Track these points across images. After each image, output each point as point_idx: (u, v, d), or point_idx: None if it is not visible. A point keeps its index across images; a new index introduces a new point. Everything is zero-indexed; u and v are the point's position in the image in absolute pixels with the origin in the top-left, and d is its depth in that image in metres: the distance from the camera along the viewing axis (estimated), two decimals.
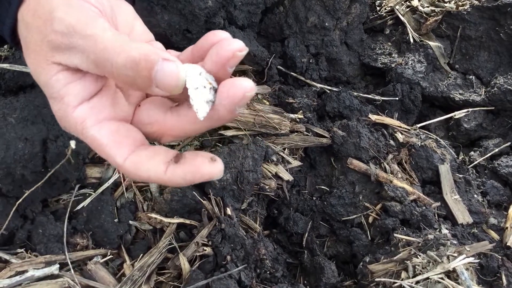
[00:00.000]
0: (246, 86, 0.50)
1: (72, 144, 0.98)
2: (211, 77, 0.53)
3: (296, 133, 1.36)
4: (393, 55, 1.64)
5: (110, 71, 0.51)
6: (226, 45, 0.52)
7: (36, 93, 1.09)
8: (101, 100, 0.57)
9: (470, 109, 1.53)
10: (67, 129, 0.57)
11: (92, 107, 0.55)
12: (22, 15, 0.57)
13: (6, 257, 1.00)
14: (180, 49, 1.49)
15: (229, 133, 1.27)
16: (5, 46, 1.22)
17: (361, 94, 1.55)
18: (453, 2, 1.63)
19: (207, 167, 0.52)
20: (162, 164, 0.53)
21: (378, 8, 1.73)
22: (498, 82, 1.53)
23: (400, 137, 1.39)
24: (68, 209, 1.08)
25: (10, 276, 0.97)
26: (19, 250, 1.02)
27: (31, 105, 1.03)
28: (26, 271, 0.98)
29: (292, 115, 1.38)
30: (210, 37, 0.55)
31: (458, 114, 1.54)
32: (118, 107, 0.59)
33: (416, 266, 1.09)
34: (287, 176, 1.29)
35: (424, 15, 1.64)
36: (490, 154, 1.47)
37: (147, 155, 0.54)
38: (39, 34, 0.55)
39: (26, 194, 0.97)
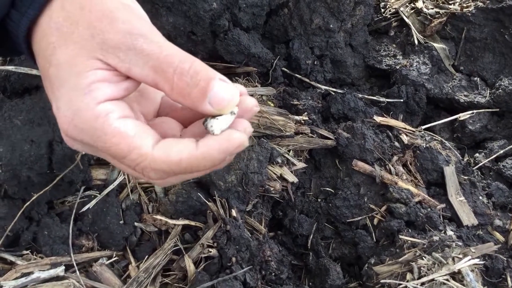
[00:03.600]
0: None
1: None
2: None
3: (301, 135, 1.36)
4: (397, 57, 1.64)
5: (169, 78, 0.52)
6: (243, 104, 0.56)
7: (42, 95, 1.09)
8: (124, 104, 0.56)
9: (475, 111, 1.53)
10: (78, 129, 0.55)
11: (117, 106, 0.55)
12: (63, 4, 0.56)
13: (12, 258, 1.01)
14: (185, 51, 1.50)
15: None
16: None
17: (366, 96, 1.55)
18: (457, 3, 1.63)
19: (237, 134, 0.53)
20: (191, 142, 0.53)
21: (382, 10, 1.73)
22: (503, 83, 1.53)
23: (405, 138, 1.39)
24: (74, 211, 1.08)
25: (16, 278, 0.97)
26: (24, 252, 1.03)
27: (36, 107, 1.04)
28: (31, 272, 0.98)
29: (297, 117, 1.38)
30: None
31: (463, 115, 1.53)
32: (138, 115, 0.59)
33: (421, 268, 1.09)
34: (292, 178, 1.29)
35: (429, 17, 1.64)
36: (495, 155, 1.47)
37: (174, 140, 0.54)
38: (90, 29, 0.54)
39: (34, 197, 0.97)
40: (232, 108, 0.54)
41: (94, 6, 0.55)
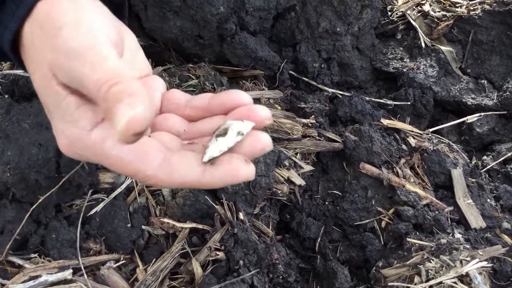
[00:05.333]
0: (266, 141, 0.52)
1: None
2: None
3: (308, 138, 1.36)
4: (404, 60, 1.63)
5: (99, 102, 0.49)
6: (256, 113, 0.53)
7: None
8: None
9: (483, 114, 1.53)
10: (80, 153, 0.54)
11: (108, 127, 0.52)
12: (31, 26, 0.54)
13: (20, 262, 1.01)
14: (193, 55, 1.50)
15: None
16: None
17: (373, 99, 1.54)
18: (464, 6, 1.63)
19: (244, 168, 0.51)
20: (197, 167, 0.51)
21: (389, 13, 1.73)
22: (510, 86, 1.52)
23: (412, 141, 1.38)
24: (81, 214, 1.08)
25: (24, 281, 0.97)
26: (32, 255, 1.03)
27: (44, 111, 1.04)
28: (39, 276, 0.98)
29: (304, 120, 1.38)
30: (234, 96, 0.55)
31: (471, 118, 1.53)
32: None
33: (429, 271, 1.08)
34: (299, 181, 1.29)
35: (436, 20, 1.63)
36: (503, 158, 1.46)
37: (178, 161, 0.52)
38: (44, 51, 0.52)
39: (40, 200, 0.98)
40: (128, 136, 0.46)
41: (49, 23, 0.52)
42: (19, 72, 1.12)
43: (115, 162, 0.52)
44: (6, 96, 1.12)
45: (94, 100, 0.50)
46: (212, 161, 0.51)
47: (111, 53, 0.51)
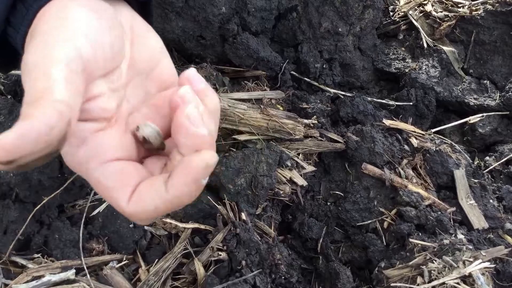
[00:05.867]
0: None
1: None
2: None
3: (310, 138, 1.36)
4: (406, 60, 1.63)
5: None
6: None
7: None
8: (104, 139, 0.51)
9: (485, 114, 1.53)
10: (76, 167, 0.51)
11: (96, 147, 0.50)
12: (40, 18, 0.51)
13: (23, 262, 1.01)
14: (194, 55, 1.50)
15: (242, 137, 1.27)
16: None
17: (375, 99, 1.54)
18: (466, 7, 1.63)
19: (195, 159, 0.47)
20: (161, 184, 0.48)
21: (391, 13, 1.73)
22: None
23: (414, 142, 1.38)
24: (84, 215, 1.09)
25: (27, 281, 0.98)
26: (35, 255, 1.03)
27: None
28: (42, 276, 0.99)
29: (306, 120, 1.38)
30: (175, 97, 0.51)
31: (473, 119, 1.53)
32: (123, 147, 0.53)
33: (432, 271, 1.08)
34: (301, 181, 1.29)
35: (438, 20, 1.63)
36: (505, 159, 1.46)
37: (147, 185, 0.49)
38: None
39: (44, 201, 0.98)
40: None
41: (40, 26, 0.49)
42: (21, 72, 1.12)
43: (96, 185, 0.50)
44: (9, 96, 1.12)
45: None
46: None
47: (62, 77, 0.44)
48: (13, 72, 1.14)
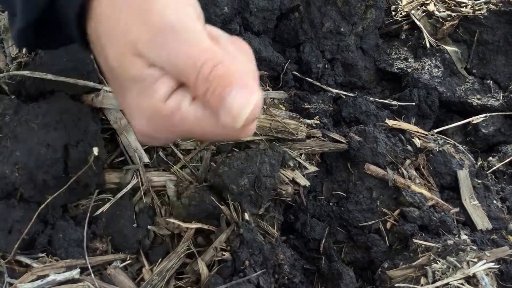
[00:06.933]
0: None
1: (95, 151, 1.00)
2: None
3: (312, 139, 1.36)
4: (409, 60, 1.63)
5: (193, 83, 0.50)
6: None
7: (57, 100, 1.10)
8: (183, 89, 0.54)
9: (488, 114, 1.52)
10: (157, 129, 0.55)
11: (180, 93, 0.54)
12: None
13: (28, 261, 1.01)
14: None
15: (245, 138, 1.28)
16: (23, 51, 1.24)
17: (377, 99, 1.54)
18: (469, 6, 1.63)
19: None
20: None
21: (393, 13, 1.73)
22: None
23: (417, 142, 1.38)
24: (88, 214, 1.09)
25: (32, 280, 0.98)
26: (40, 255, 1.03)
27: (52, 111, 1.04)
28: (47, 275, 0.98)
29: (308, 121, 1.38)
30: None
31: (476, 119, 1.53)
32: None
33: (436, 272, 1.08)
34: (304, 182, 1.29)
35: (441, 20, 1.63)
36: (508, 159, 1.46)
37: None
38: (128, 23, 0.51)
39: (49, 200, 0.98)
40: (243, 121, 0.49)
41: None
42: (26, 72, 1.12)
43: (193, 124, 0.53)
44: (13, 96, 1.12)
45: (179, 77, 0.52)
46: None
47: (203, 31, 0.52)
48: (17, 72, 1.14)
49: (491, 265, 1.09)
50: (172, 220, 1.14)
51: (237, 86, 0.49)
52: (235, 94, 0.48)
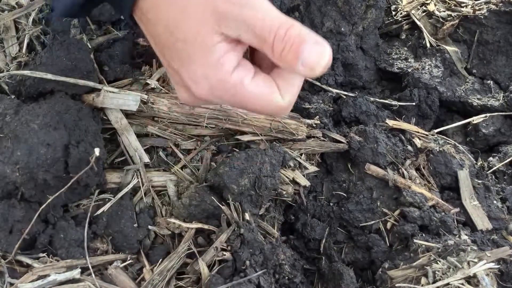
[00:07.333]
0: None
1: (97, 151, 1.00)
2: None
3: (312, 139, 1.36)
4: (409, 60, 1.63)
5: (270, 44, 0.59)
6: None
7: (57, 99, 1.10)
8: (246, 62, 0.65)
9: (488, 114, 1.52)
10: (218, 95, 0.64)
11: (244, 69, 0.64)
12: None
13: (29, 261, 1.01)
14: None
15: (245, 138, 1.28)
16: (23, 51, 1.23)
17: (378, 99, 1.54)
18: (470, 6, 1.63)
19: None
20: None
21: (393, 13, 1.73)
22: None
23: (418, 142, 1.38)
24: (88, 214, 1.09)
25: (33, 280, 0.98)
26: (41, 255, 1.03)
27: (53, 111, 1.05)
28: (48, 275, 0.99)
29: (308, 121, 1.38)
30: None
31: (476, 119, 1.52)
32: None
33: (436, 272, 1.08)
34: (304, 182, 1.29)
35: (441, 20, 1.63)
36: (509, 159, 1.46)
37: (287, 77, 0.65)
38: (205, 2, 0.59)
39: (50, 200, 0.98)
40: (321, 68, 0.60)
41: None
42: (26, 72, 1.12)
43: (250, 99, 0.63)
44: (13, 96, 1.13)
45: (254, 41, 0.60)
46: None
47: (270, 3, 0.61)
48: (17, 72, 1.14)
49: (492, 265, 1.09)
50: (172, 220, 1.14)
51: (311, 42, 0.59)
52: (310, 49, 0.58)
